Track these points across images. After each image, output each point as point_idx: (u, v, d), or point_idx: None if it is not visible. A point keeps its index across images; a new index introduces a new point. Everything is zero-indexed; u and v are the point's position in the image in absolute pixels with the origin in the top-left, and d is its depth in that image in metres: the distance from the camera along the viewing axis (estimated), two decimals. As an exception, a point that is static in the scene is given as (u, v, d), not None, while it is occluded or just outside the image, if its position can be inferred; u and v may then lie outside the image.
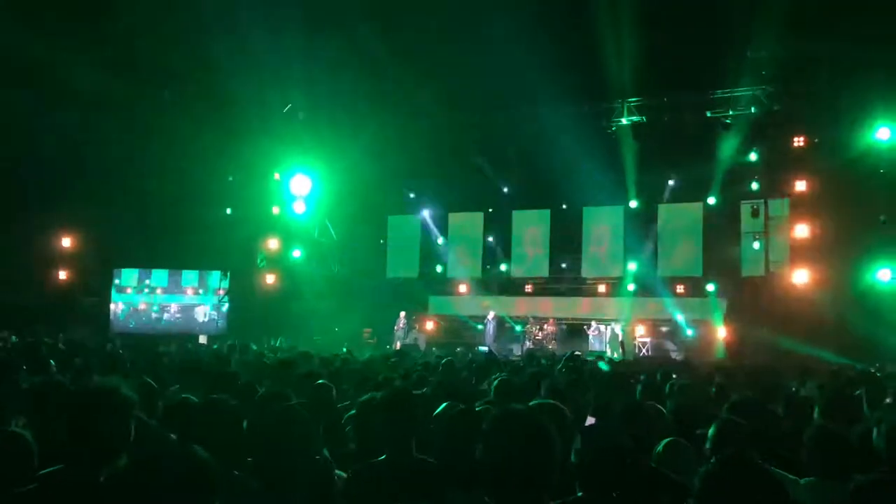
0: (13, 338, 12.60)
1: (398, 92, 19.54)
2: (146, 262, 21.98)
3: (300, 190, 22.05)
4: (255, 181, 22.40)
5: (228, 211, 22.34)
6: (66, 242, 21.06)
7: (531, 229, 23.39)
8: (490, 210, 23.45)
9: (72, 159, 18.51)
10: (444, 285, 24.05)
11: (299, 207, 22.28)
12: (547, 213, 23.09)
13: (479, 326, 22.23)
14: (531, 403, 3.71)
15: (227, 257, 22.52)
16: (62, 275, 20.81)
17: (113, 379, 3.47)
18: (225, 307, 22.66)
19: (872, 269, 17.51)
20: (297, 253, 22.67)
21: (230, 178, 22.29)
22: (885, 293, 17.12)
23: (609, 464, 2.66)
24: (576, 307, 22.43)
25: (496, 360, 10.25)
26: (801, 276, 18.96)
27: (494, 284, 23.44)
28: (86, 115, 17.57)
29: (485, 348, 19.65)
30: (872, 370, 11.20)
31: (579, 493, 2.69)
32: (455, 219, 24.10)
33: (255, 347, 13.19)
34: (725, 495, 2.02)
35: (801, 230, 19.32)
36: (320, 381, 5.20)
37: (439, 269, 24.11)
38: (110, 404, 2.58)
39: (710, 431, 3.61)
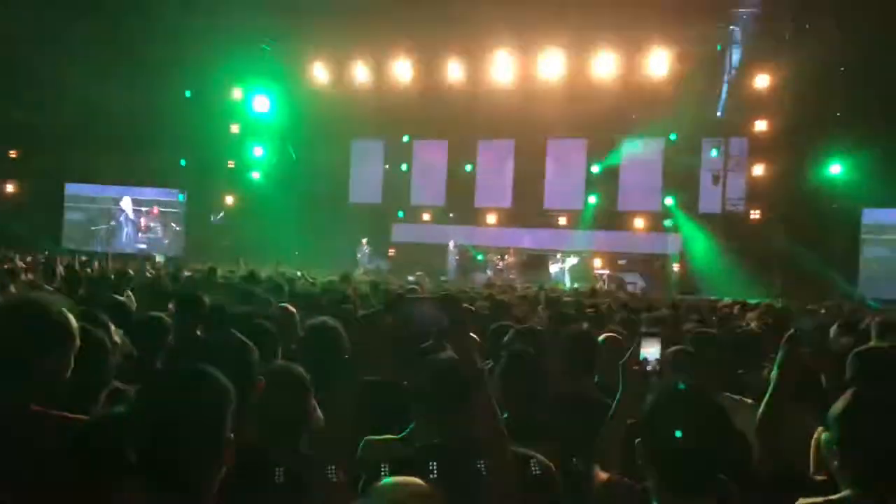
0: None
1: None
2: (100, 178, 21.05)
3: (261, 108, 21.55)
4: (213, 98, 21.63)
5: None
6: (13, 154, 20.00)
7: (496, 159, 23.34)
8: (455, 139, 23.18)
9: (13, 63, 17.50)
10: (407, 213, 23.88)
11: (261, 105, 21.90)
12: (511, 143, 23.05)
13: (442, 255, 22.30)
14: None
15: (185, 174, 21.86)
16: (9, 187, 19.82)
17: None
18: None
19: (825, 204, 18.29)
20: (255, 175, 22.16)
21: (187, 94, 21.42)
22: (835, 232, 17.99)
23: None
24: (537, 238, 22.64)
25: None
26: (755, 214, 19.60)
27: (458, 213, 23.40)
28: (30, 14, 16.55)
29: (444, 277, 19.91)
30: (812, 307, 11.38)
31: None
32: (420, 146, 23.82)
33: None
34: (667, 421, 1.97)
35: (759, 169, 19.90)
36: None
37: (403, 195, 23.86)
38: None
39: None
